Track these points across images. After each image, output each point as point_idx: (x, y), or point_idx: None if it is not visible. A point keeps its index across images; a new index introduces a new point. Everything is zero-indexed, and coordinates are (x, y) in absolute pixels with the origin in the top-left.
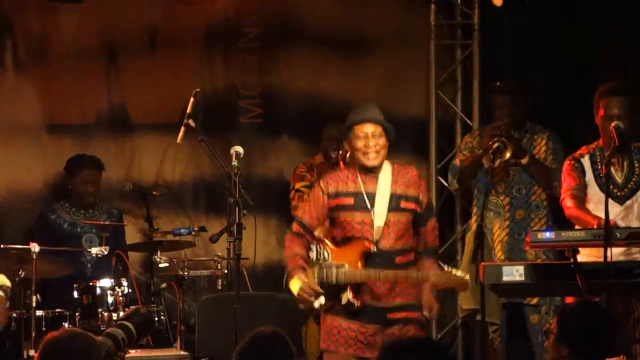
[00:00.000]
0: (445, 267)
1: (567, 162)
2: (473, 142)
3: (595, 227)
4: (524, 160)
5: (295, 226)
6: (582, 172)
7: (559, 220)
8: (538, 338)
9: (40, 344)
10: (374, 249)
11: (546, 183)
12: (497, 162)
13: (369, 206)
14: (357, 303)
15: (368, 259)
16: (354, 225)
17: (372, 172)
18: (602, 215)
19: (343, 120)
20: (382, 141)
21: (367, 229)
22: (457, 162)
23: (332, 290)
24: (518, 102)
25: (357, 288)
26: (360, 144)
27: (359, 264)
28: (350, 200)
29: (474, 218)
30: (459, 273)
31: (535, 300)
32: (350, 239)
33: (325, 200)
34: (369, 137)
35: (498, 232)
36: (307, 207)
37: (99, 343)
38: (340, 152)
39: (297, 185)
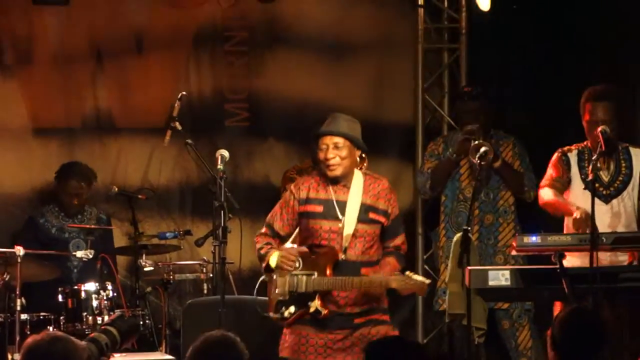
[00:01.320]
0: (406, 272)
1: (555, 155)
2: (438, 149)
3: (575, 215)
4: (497, 164)
5: (264, 229)
6: (568, 166)
7: (527, 226)
8: (512, 343)
9: (22, 348)
10: (342, 257)
11: (517, 187)
12: (483, 164)
13: (339, 215)
14: (324, 311)
15: (335, 268)
16: (322, 234)
17: (340, 182)
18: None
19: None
20: (344, 152)
21: (334, 238)
22: (425, 169)
23: (301, 298)
24: (485, 108)
25: (324, 296)
26: (322, 155)
27: (328, 272)
28: (320, 208)
29: (442, 225)
30: (419, 278)
31: (506, 305)
32: (319, 247)
33: (296, 205)
34: (329, 149)
35: None
36: (278, 211)
37: (80, 347)
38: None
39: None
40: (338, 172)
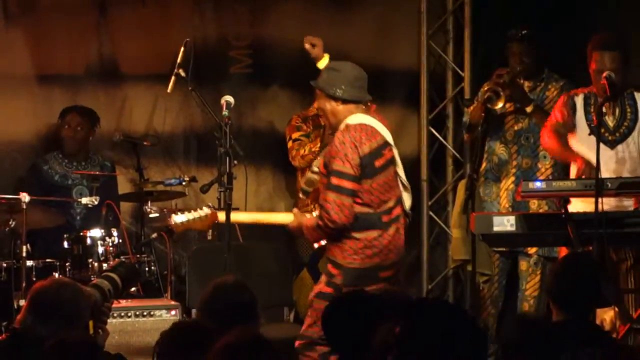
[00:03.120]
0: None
1: (561, 97)
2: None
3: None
4: (528, 109)
5: None
6: (574, 109)
7: (567, 171)
8: (523, 285)
9: (28, 293)
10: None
11: None
12: (497, 109)
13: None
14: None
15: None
16: None
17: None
18: (591, 158)
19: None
20: (321, 103)
21: None
22: (469, 109)
23: None
24: (531, 50)
25: None
26: None
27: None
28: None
29: (483, 165)
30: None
31: (533, 250)
32: None
33: None
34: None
35: (504, 180)
36: None
37: (87, 293)
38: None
39: (295, 135)
40: (324, 122)
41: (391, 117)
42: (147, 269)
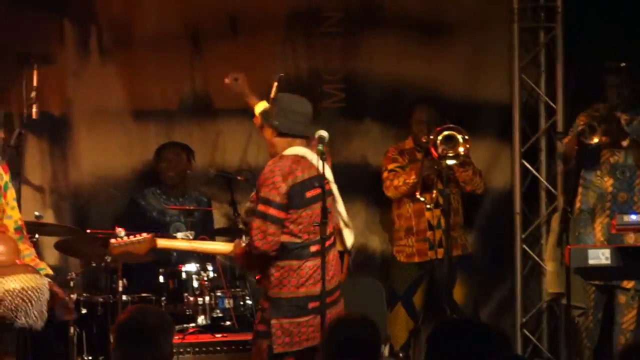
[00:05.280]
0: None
1: None
2: (580, 122)
3: None
4: (625, 143)
5: None
6: None
7: None
8: (619, 318)
9: (114, 326)
10: None
11: None
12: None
13: None
14: None
15: None
16: None
17: None
18: None
19: (428, 104)
20: (263, 132)
21: None
22: (565, 140)
23: None
24: (629, 82)
25: None
26: None
27: None
28: None
29: (578, 197)
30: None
31: (630, 284)
32: None
33: None
34: None
35: (599, 213)
36: None
37: (166, 313)
38: (431, 137)
39: (390, 166)
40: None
41: (484, 150)
42: (241, 302)
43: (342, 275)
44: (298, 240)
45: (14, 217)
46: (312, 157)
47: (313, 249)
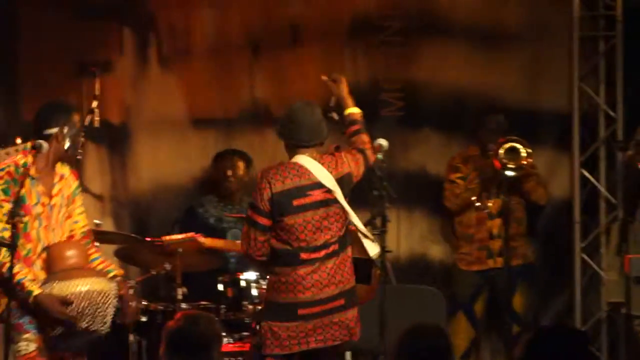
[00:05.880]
0: None
1: None
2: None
3: None
4: None
5: None
6: None
7: None
8: None
9: (163, 334)
10: None
11: None
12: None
13: None
14: None
15: None
16: None
17: None
18: None
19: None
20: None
21: None
22: (627, 154)
23: None
24: None
25: None
26: None
27: None
28: None
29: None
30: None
31: None
32: None
33: None
34: None
35: None
36: None
37: (219, 325)
38: (495, 147)
39: (452, 177)
40: None
41: (543, 159)
42: None
43: (369, 289)
44: (288, 247)
45: (81, 222)
46: (314, 165)
47: (304, 256)
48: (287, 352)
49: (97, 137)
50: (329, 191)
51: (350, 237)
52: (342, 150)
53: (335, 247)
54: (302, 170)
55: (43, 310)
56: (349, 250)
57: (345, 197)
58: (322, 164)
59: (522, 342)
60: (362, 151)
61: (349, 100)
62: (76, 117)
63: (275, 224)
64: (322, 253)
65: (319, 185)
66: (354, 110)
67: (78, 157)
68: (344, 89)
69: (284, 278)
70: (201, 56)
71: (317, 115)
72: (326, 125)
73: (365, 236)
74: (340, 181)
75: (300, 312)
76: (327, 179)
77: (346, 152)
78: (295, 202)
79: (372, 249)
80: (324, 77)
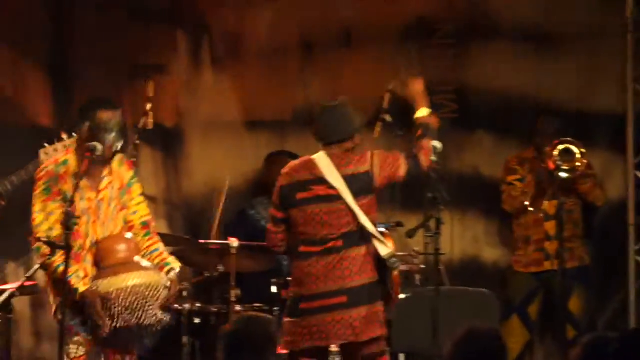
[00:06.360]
0: None
1: None
2: None
3: None
4: None
5: None
6: None
7: None
8: None
9: (220, 337)
10: None
11: None
12: None
13: None
14: None
15: None
16: None
17: None
18: None
19: (536, 115)
20: None
21: None
22: None
23: None
24: None
25: None
26: None
27: None
28: None
29: None
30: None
31: None
32: None
33: None
34: None
35: None
36: None
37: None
38: (549, 149)
39: (509, 179)
40: None
41: (596, 161)
42: None
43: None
44: (294, 241)
45: (139, 213)
46: (324, 162)
47: (302, 249)
48: (291, 348)
49: (151, 140)
50: (332, 187)
51: (367, 235)
52: (375, 151)
53: (336, 243)
54: (310, 165)
55: (88, 307)
56: (363, 249)
57: (358, 195)
58: (335, 161)
59: (579, 345)
60: (411, 156)
61: (419, 103)
62: (103, 115)
63: (283, 215)
64: (320, 248)
65: (322, 181)
66: (420, 114)
67: (133, 159)
68: (416, 90)
69: (292, 272)
70: (255, 58)
71: (337, 114)
72: (351, 123)
73: (374, 236)
74: (350, 179)
75: (302, 306)
76: (334, 176)
77: (378, 154)
78: (299, 196)
79: (381, 249)
80: (391, 87)
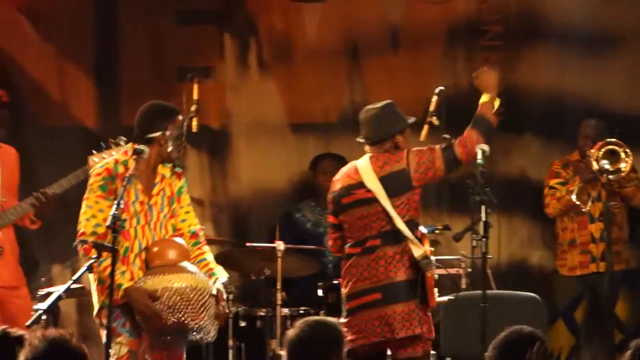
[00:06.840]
0: None
1: None
2: None
3: None
4: None
5: None
6: None
7: None
8: None
9: (285, 344)
10: None
11: None
12: None
13: None
14: None
15: None
16: None
17: None
18: None
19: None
20: None
21: None
22: None
23: None
24: None
25: None
26: None
27: None
28: None
29: None
30: None
31: None
32: None
33: None
34: None
35: None
36: None
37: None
38: (593, 151)
39: (551, 182)
40: None
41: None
42: None
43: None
44: (344, 243)
45: (188, 221)
46: (364, 166)
47: (348, 250)
48: (347, 347)
49: (197, 142)
50: (369, 190)
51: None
52: (412, 148)
53: (374, 242)
54: (353, 170)
55: (131, 303)
56: (399, 248)
57: (396, 194)
58: (374, 164)
59: (629, 349)
60: (445, 148)
61: (487, 90)
62: (179, 120)
63: (336, 220)
64: (359, 249)
65: (362, 185)
66: (482, 100)
67: (182, 168)
68: (487, 80)
69: (341, 273)
70: (301, 61)
71: (380, 114)
72: (392, 124)
73: (408, 239)
74: (386, 179)
75: (347, 306)
76: (370, 178)
77: (414, 150)
78: (344, 201)
79: (417, 250)
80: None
